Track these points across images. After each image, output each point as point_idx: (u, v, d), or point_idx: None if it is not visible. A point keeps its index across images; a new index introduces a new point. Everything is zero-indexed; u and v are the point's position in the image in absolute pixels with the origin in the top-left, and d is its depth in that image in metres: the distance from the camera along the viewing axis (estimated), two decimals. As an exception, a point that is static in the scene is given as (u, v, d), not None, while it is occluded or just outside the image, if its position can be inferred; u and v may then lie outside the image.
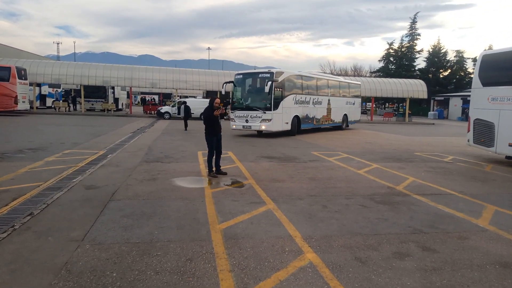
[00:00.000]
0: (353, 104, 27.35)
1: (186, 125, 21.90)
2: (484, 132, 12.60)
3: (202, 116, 8.97)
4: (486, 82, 12.66)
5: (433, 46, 62.61)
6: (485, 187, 8.73)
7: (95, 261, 4.15)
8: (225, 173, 8.93)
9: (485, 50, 14.09)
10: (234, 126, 18.84)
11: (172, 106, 33.47)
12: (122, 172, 9.04)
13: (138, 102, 66.90)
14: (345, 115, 25.88)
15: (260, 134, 19.52)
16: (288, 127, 19.27)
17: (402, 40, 63.48)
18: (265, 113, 17.87)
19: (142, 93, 66.73)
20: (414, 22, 61.74)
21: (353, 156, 12.66)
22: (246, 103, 18.70)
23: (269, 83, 17.30)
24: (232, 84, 19.17)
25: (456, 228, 5.64)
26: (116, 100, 41.20)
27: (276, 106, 18.02)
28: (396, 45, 63.74)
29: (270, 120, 17.88)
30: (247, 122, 18.31)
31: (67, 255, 4.28)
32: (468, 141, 13.56)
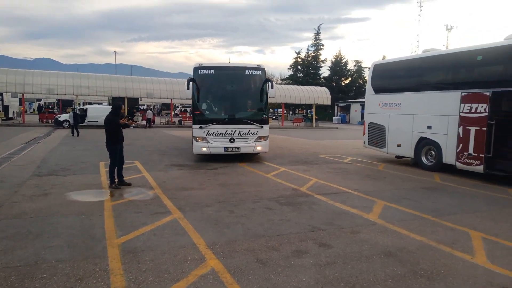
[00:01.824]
0: None
1: (76, 132, 22.13)
2: (377, 135, 13.97)
3: (105, 124, 8.39)
4: (378, 89, 14.08)
5: (335, 56, 67.96)
6: (377, 184, 9.64)
7: (-41, 295, 3.55)
8: (129, 184, 8.45)
9: (380, 60, 15.64)
10: (204, 149, 12.12)
11: None
12: (6, 188, 8.00)
13: (34, 110, 60.35)
14: None
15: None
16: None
17: (308, 50, 67.85)
18: (262, 127, 12.46)
19: (38, 99, 60.28)
20: (318, 33, 66.30)
21: (264, 161, 13.01)
22: (230, 113, 12.36)
23: (267, 83, 12.44)
24: (192, 83, 12.03)
25: (350, 223, 6.10)
26: (5, 108, 36.54)
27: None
28: (303, 54, 67.75)
29: (267, 137, 12.78)
30: (232, 142, 12.18)
31: None
32: (364, 143, 14.91)
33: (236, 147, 12.23)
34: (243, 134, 12.27)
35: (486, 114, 9.82)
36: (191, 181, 9.29)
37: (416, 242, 5.26)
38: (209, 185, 8.85)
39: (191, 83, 11.77)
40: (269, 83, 12.39)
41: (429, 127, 11.71)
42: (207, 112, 12.46)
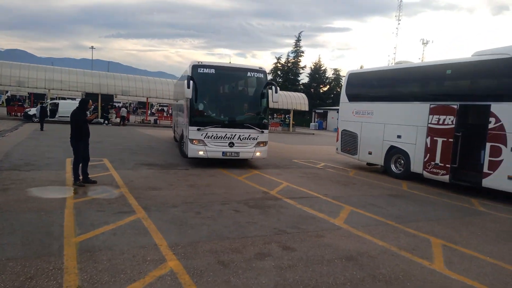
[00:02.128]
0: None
1: (41, 126, 21.84)
2: (350, 142, 14.19)
3: (70, 119, 8.13)
4: (352, 97, 14.32)
5: (315, 63, 68.87)
6: (346, 190, 9.77)
7: None
8: (94, 182, 8.20)
9: (355, 69, 15.94)
10: (201, 153, 11.44)
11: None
12: (-38, 182, 7.60)
13: (3, 102, 57.99)
14: None
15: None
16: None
17: (288, 56, 68.43)
18: (262, 132, 11.98)
19: (7, 92, 57.92)
20: (298, 40, 67.03)
21: (237, 164, 12.94)
22: (231, 116, 11.74)
23: (271, 87, 12.02)
24: (192, 82, 11.11)
25: (316, 227, 6.13)
26: (-30, 100, 34.91)
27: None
28: (283, 60, 68.32)
29: (266, 143, 12.36)
30: (231, 147, 11.59)
31: None
32: (337, 149, 15.11)
33: (235, 152, 11.65)
34: (243, 139, 11.69)
35: (453, 126, 10.15)
36: (160, 181, 9.13)
37: (378, 247, 5.34)
38: (179, 185, 8.72)
39: (191, 82, 10.93)
40: (274, 87, 11.91)
41: (399, 136, 11.99)
42: (205, 114, 11.69)
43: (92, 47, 78.74)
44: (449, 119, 10.27)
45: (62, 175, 9.02)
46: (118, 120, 32.31)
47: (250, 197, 7.99)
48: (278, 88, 11.94)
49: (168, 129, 27.48)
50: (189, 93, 10.88)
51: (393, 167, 12.41)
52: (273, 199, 7.95)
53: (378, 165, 13.37)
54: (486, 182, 9.38)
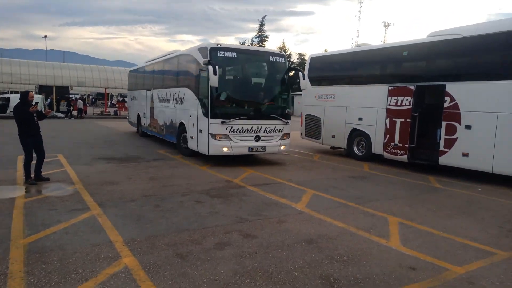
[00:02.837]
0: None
1: None
2: (313, 126, 14.32)
3: (14, 114, 7.64)
4: (314, 81, 14.39)
5: (279, 48, 68.89)
6: (310, 174, 9.87)
7: None
8: (47, 179, 7.79)
9: (316, 53, 15.99)
10: (225, 149, 10.09)
11: None
12: None
13: None
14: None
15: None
16: None
17: (252, 41, 67.85)
18: (287, 123, 10.96)
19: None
20: (262, 24, 66.59)
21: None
22: (256, 106, 10.59)
23: (298, 73, 11.22)
24: (210, 67, 9.31)
25: (278, 213, 6.13)
26: None
27: None
28: (247, 45, 67.81)
29: (289, 134, 11.25)
30: (257, 141, 10.38)
31: None
32: (301, 134, 15.22)
33: (261, 147, 10.45)
34: (269, 131, 10.51)
35: (410, 106, 10.45)
36: (118, 174, 8.81)
37: (338, 229, 5.42)
38: (138, 178, 8.45)
39: (216, 67, 9.21)
40: (300, 73, 11.06)
41: (360, 119, 12.21)
42: (229, 104, 10.35)
43: (45, 37, 74.73)
44: (407, 100, 10.56)
45: (13, 173, 8.50)
46: (75, 113, 30.99)
47: (212, 187, 7.87)
48: (302, 74, 11.09)
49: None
50: (215, 80, 9.22)
51: (355, 149, 12.66)
52: (236, 188, 7.88)
53: (341, 148, 13.61)
54: (443, 160, 9.76)
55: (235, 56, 10.27)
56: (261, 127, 10.40)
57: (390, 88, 11.03)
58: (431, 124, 10.46)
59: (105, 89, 36.31)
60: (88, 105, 44.01)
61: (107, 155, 11.75)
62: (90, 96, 64.63)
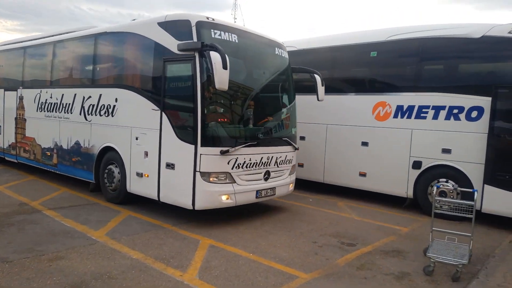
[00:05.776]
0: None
1: None
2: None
3: None
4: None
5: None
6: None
7: None
8: None
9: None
10: (225, 198, 5.90)
11: None
12: None
13: None
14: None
15: None
16: None
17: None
18: (297, 149, 7.36)
19: None
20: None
21: (4, 167, 10.32)
22: (265, 126, 6.82)
23: (317, 77, 7.59)
24: (216, 55, 5.17)
25: (60, 246, 4.80)
26: None
27: None
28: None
29: (295, 167, 7.63)
30: (266, 180, 6.53)
31: None
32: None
33: (271, 188, 6.63)
34: (280, 163, 6.80)
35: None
36: None
37: (129, 262, 4.40)
38: None
39: (226, 56, 5.21)
40: (318, 77, 7.50)
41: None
42: (229, 121, 6.32)
43: None
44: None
45: None
46: None
47: (-7, 213, 6.04)
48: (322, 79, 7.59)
49: None
50: (225, 79, 5.21)
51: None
52: (27, 213, 6.20)
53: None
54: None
55: (236, 40, 6.15)
56: (272, 157, 6.62)
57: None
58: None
59: None
60: None
61: None
62: None
